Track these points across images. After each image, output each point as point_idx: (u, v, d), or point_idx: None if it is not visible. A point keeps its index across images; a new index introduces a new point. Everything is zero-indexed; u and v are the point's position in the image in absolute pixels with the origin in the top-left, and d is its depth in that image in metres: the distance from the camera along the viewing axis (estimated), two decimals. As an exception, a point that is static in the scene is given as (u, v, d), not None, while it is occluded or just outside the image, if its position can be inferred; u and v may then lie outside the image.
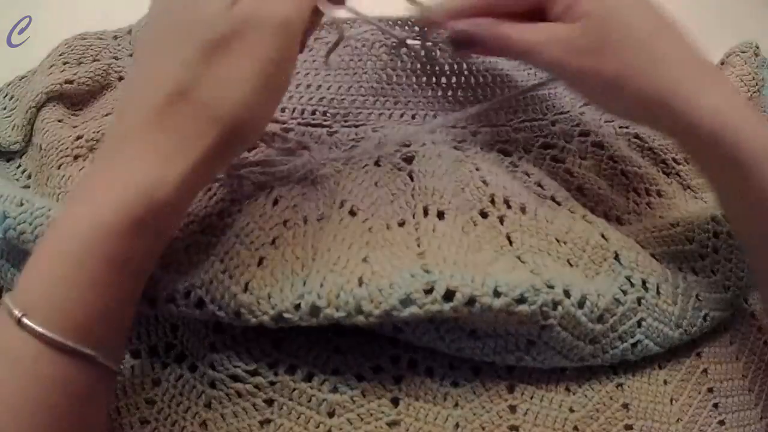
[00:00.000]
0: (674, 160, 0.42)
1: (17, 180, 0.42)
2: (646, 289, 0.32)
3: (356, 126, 0.39)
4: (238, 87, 0.27)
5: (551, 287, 0.29)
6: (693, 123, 0.30)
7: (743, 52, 0.50)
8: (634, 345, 0.31)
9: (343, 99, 0.40)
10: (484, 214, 0.33)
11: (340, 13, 0.35)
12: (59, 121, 0.42)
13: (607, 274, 0.32)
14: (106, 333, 0.26)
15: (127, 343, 0.31)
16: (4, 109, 0.46)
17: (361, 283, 0.28)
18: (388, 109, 0.39)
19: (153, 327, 0.33)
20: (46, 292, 0.24)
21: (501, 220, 0.33)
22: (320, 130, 0.39)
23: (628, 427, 0.31)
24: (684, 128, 0.31)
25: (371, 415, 0.30)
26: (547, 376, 0.32)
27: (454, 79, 0.40)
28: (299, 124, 0.39)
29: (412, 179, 0.35)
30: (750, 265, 0.35)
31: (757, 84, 0.49)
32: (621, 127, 0.42)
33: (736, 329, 0.36)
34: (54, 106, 0.43)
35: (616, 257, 0.33)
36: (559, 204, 0.35)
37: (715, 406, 0.33)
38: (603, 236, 0.33)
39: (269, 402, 0.30)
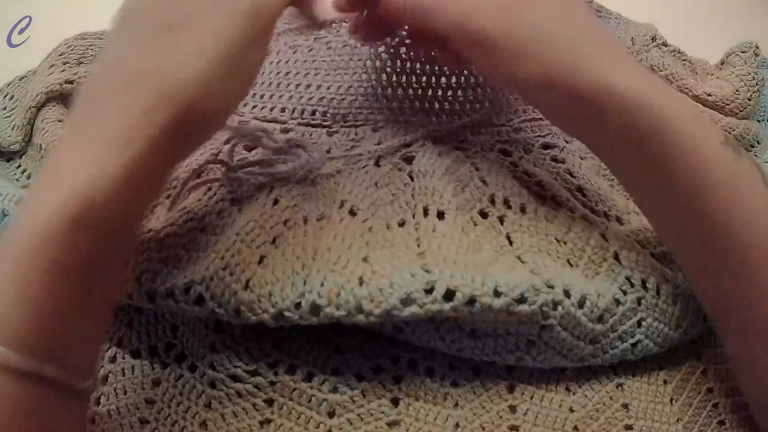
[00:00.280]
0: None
1: (17, 180, 0.43)
2: (646, 289, 0.32)
3: (356, 126, 0.39)
4: (194, 64, 0.25)
5: (551, 287, 0.29)
6: (614, 96, 0.29)
7: (743, 52, 0.50)
8: (634, 345, 0.31)
9: (343, 99, 0.40)
10: (484, 214, 0.33)
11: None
12: (59, 121, 0.42)
13: (607, 274, 0.32)
14: (60, 347, 0.23)
15: (104, 354, 0.30)
16: (4, 109, 0.46)
17: (361, 282, 0.28)
18: (388, 109, 0.39)
19: (153, 327, 0.33)
20: None
21: (501, 220, 0.33)
22: (320, 130, 0.39)
23: (628, 427, 0.31)
24: (600, 105, 0.29)
25: (371, 415, 0.30)
26: (547, 376, 0.32)
27: (453, 79, 0.40)
28: (299, 124, 0.39)
29: (412, 179, 0.35)
30: (668, 246, 0.33)
31: (757, 84, 0.49)
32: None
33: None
34: (54, 106, 0.43)
35: (616, 257, 0.33)
36: (559, 204, 0.35)
37: (715, 406, 0.33)
38: (603, 236, 0.33)
39: (269, 402, 0.30)
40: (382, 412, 0.30)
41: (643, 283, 0.32)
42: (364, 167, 0.36)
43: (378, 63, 0.40)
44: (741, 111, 0.48)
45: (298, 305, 0.28)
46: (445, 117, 0.39)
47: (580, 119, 0.31)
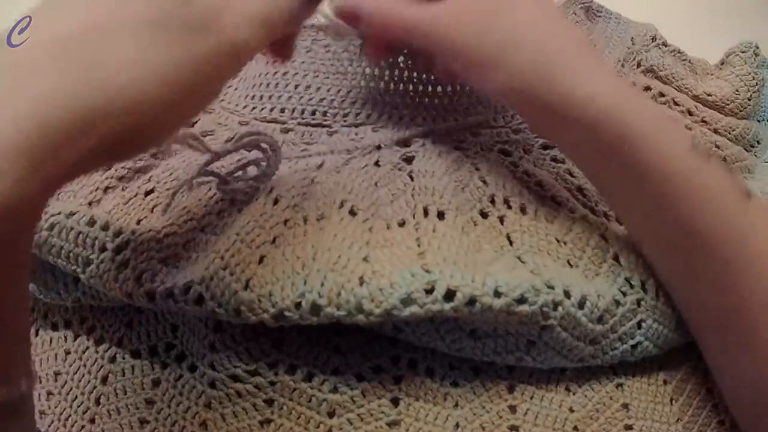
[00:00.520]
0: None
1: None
2: (646, 291, 0.32)
3: (356, 126, 0.39)
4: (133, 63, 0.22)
5: (551, 288, 0.29)
6: (575, 108, 0.30)
7: (743, 52, 0.50)
8: (634, 347, 0.31)
9: (343, 99, 0.40)
10: (484, 214, 0.33)
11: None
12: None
13: (606, 275, 0.32)
14: None
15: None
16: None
17: (361, 282, 0.28)
18: (388, 110, 0.39)
19: (153, 327, 0.33)
20: None
21: (501, 220, 0.33)
22: (320, 130, 0.39)
23: (628, 427, 0.31)
24: (564, 114, 0.30)
25: (371, 415, 0.30)
26: (547, 376, 0.32)
27: (452, 82, 0.40)
28: (299, 124, 0.39)
29: (412, 179, 0.35)
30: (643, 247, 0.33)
31: (757, 84, 0.49)
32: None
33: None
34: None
35: (616, 258, 0.33)
36: (559, 204, 0.35)
37: (715, 406, 0.33)
38: (603, 237, 0.33)
39: (269, 402, 0.30)
40: (382, 412, 0.30)
41: (643, 284, 0.32)
42: (364, 167, 0.36)
43: (377, 71, 0.40)
44: (741, 111, 0.48)
45: (298, 305, 0.28)
46: (445, 118, 0.39)
47: (548, 128, 0.32)
